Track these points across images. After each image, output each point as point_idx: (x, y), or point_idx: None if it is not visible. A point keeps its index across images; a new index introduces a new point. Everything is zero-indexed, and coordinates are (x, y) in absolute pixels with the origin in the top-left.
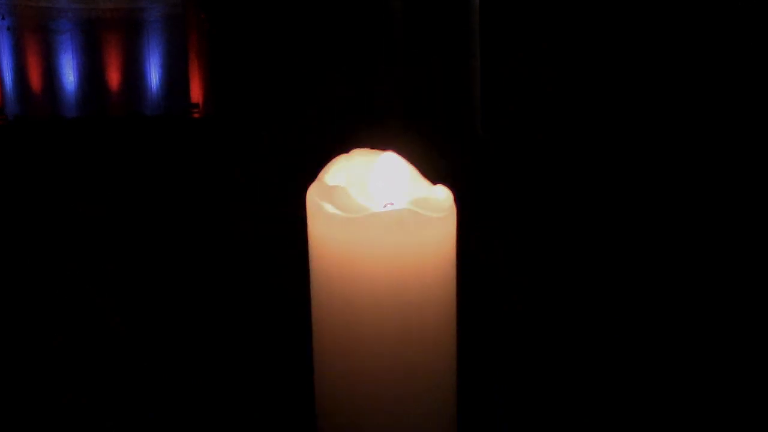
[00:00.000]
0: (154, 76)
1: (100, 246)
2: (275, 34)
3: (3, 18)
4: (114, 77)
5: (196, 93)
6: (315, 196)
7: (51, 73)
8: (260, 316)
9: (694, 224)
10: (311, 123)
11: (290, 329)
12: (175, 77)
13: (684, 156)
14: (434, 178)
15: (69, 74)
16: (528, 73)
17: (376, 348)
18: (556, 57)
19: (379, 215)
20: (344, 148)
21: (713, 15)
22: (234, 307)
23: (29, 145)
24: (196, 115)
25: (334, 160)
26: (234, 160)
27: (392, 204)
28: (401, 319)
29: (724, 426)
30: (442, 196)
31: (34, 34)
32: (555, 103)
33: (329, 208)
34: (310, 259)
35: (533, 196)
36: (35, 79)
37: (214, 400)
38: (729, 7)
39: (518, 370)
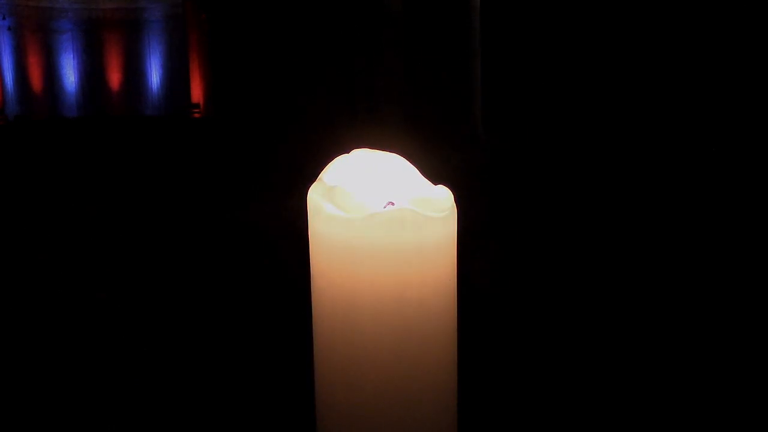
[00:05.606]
0: (154, 76)
1: (101, 245)
2: (275, 35)
3: (3, 18)
4: (114, 77)
5: (196, 93)
6: (315, 196)
7: (51, 73)
8: (261, 315)
9: (698, 227)
10: (311, 123)
11: (290, 328)
12: (175, 77)
13: (686, 159)
14: (434, 178)
15: (69, 74)
16: (528, 73)
17: (377, 347)
18: (556, 57)
19: (379, 215)
20: (344, 148)
21: (713, 16)
22: (235, 307)
23: (29, 145)
24: (196, 116)
25: (334, 160)
26: (234, 160)
27: (392, 204)
28: (401, 318)
29: (724, 426)
30: (442, 196)
31: (35, 34)
32: (555, 103)
33: (329, 208)
34: (310, 259)
35: (533, 196)
36: (35, 79)
37: (214, 399)
38: (728, 7)
39: (518, 370)
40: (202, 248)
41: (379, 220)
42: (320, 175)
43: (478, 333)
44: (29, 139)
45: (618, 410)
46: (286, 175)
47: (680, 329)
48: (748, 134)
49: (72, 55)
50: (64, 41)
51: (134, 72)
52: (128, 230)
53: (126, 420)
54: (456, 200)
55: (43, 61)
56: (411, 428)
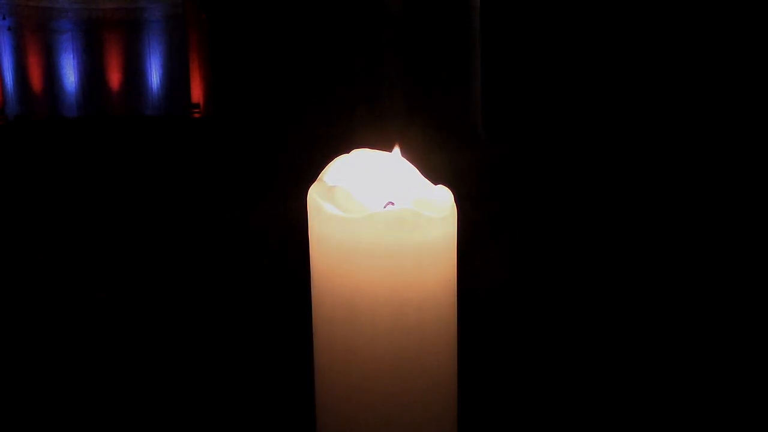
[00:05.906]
0: (154, 76)
1: (101, 246)
2: (275, 35)
3: (3, 18)
4: (114, 77)
5: (196, 93)
6: (315, 196)
7: (51, 73)
8: (261, 316)
9: (699, 229)
10: (311, 123)
11: (290, 329)
12: (175, 77)
13: (686, 159)
14: (435, 178)
15: (69, 74)
16: (528, 73)
17: (376, 348)
18: (556, 57)
19: (379, 215)
20: (344, 148)
21: (715, 17)
22: (235, 308)
23: (29, 145)
24: (196, 116)
25: (334, 160)
26: (234, 160)
27: (392, 204)
28: (401, 318)
29: (724, 426)
30: (442, 196)
31: (35, 34)
32: (555, 102)
33: (329, 208)
34: (310, 259)
35: (533, 196)
36: (35, 79)
37: (214, 399)
38: (729, 7)
39: (518, 370)
40: (202, 248)
41: (379, 220)
42: (320, 175)
43: (479, 333)
44: (29, 139)
45: (618, 411)
46: (287, 175)
47: (682, 330)
48: (748, 134)
49: (72, 55)
50: (64, 41)
51: (134, 72)
52: (128, 230)
53: (126, 420)
54: (456, 200)
55: (43, 61)
56: (411, 428)
